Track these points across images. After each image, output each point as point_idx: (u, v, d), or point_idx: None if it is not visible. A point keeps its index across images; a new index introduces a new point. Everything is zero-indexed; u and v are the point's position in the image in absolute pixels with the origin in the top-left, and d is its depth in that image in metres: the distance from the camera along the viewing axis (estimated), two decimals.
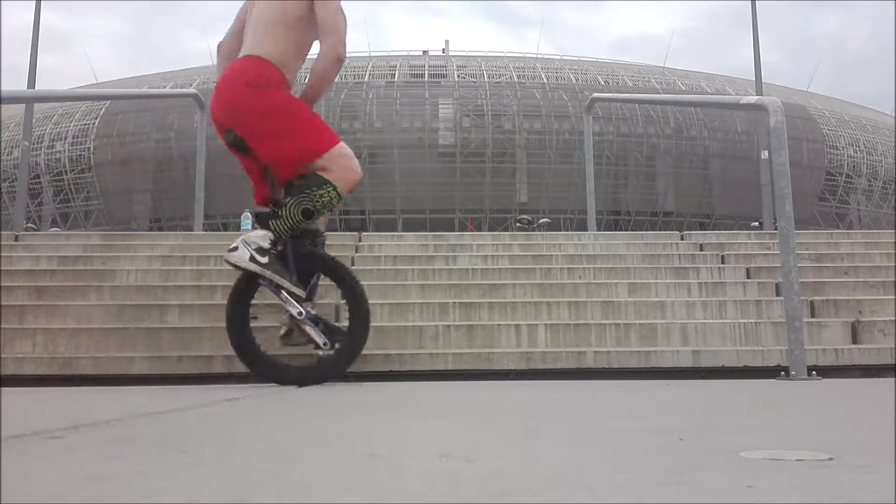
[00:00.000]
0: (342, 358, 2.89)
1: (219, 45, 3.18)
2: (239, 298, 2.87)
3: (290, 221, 2.81)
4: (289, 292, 2.82)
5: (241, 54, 2.97)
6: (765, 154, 15.06)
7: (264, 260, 2.78)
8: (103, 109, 34.14)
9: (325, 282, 3.10)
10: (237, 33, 3.09)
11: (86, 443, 1.29)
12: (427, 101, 33.90)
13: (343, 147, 2.90)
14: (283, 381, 2.83)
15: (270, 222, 2.81)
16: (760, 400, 2.35)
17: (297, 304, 2.84)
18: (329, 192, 2.79)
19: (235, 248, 2.78)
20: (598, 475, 0.98)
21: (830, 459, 1.05)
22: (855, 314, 3.74)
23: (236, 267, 2.81)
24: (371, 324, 2.95)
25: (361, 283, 2.98)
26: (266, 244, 2.79)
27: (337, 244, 5.13)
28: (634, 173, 34.11)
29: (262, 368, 2.86)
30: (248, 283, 2.87)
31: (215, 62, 3.27)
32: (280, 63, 2.88)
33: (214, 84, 3.00)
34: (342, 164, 2.86)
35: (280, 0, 2.93)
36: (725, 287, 4.16)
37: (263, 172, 2.92)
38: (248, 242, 2.79)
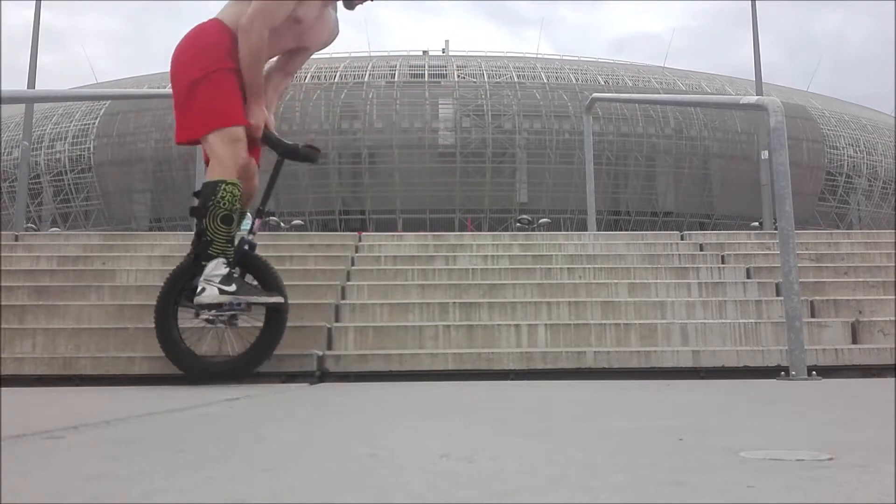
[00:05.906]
0: (259, 352, 2.90)
1: None
2: (166, 307, 2.91)
3: (221, 234, 2.78)
4: (266, 303, 2.86)
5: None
6: (765, 154, 15.08)
7: (232, 287, 2.77)
8: (103, 109, 34.12)
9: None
10: None
11: (86, 443, 1.29)
12: (427, 101, 33.88)
13: (231, 131, 2.84)
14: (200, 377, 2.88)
15: (209, 251, 2.78)
16: (760, 400, 2.35)
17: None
18: (225, 188, 2.77)
19: (203, 290, 2.76)
20: (598, 475, 0.98)
21: (830, 459, 1.05)
22: (855, 314, 3.74)
23: (212, 306, 2.80)
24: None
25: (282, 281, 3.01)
26: (224, 270, 2.78)
27: (337, 244, 5.14)
28: (634, 173, 34.09)
29: (185, 363, 2.91)
30: (172, 288, 2.90)
31: None
32: (233, 26, 2.95)
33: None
34: (228, 150, 2.82)
35: None
36: (725, 287, 4.16)
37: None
38: (210, 279, 2.76)
